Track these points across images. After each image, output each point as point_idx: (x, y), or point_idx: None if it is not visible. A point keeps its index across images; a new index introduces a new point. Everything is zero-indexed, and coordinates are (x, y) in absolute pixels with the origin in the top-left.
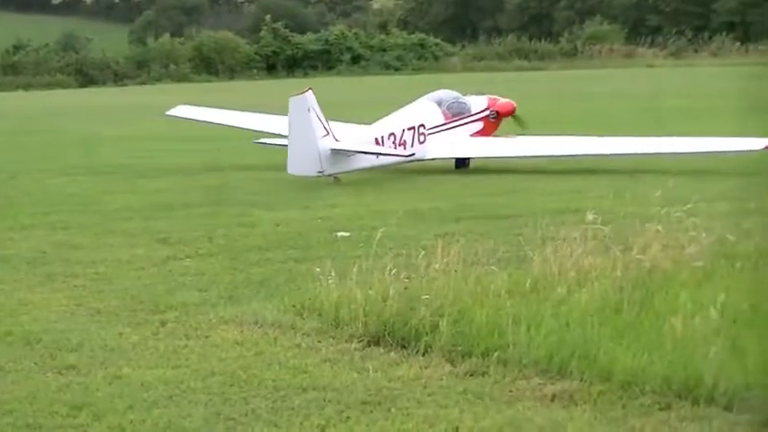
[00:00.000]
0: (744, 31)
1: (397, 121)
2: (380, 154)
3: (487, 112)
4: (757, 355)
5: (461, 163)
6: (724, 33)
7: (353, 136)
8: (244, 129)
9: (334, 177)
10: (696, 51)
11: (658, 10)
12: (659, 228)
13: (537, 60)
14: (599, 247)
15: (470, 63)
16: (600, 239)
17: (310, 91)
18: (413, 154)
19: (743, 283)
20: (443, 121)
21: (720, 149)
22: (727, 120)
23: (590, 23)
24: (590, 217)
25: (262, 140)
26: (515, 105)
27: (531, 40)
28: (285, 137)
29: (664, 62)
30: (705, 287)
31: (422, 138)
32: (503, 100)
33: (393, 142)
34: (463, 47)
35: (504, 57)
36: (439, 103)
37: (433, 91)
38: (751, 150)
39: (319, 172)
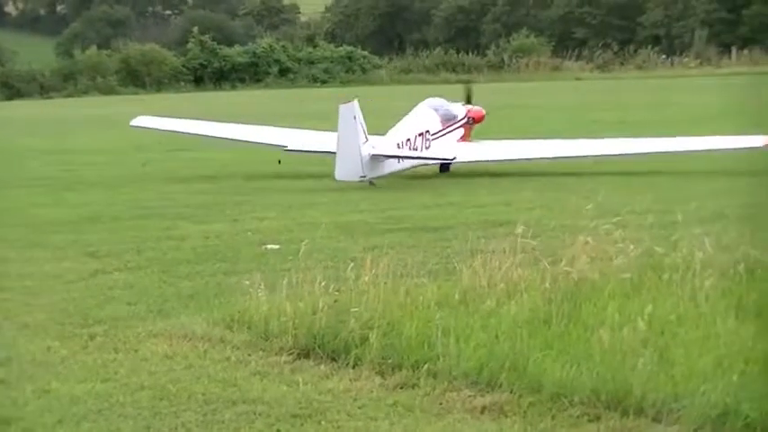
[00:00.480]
0: (668, 45)
1: (409, 128)
2: (425, 158)
3: (466, 119)
4: (685, 367)
5: (446, 168)
6: (649, 47)
7: (381, 143)
8: (210, 137)
9: (371, 182)
10: (622, 64)
11: (585, 23)
12: (588, 240)
13: (464, 73)
14: (528, 260)
15: (398, 76)
16: (529, 252)
17: (356, 101)
18: (455, 158)
19: (670, 294)
20: (441, 128)
21: (720, 147)
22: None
23: (517, 36)
24: (519, 229)
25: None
26: (485, 113)
27: (458, 52)
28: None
29: (590, 75)
30: (633, 299)
31: (427, 143)
32: (475, 107)
33: (409, 148)
34: (391, 59)
35: (432, 69)
36: (435, 110)
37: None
38: (752, 148)
39: (362, 177)
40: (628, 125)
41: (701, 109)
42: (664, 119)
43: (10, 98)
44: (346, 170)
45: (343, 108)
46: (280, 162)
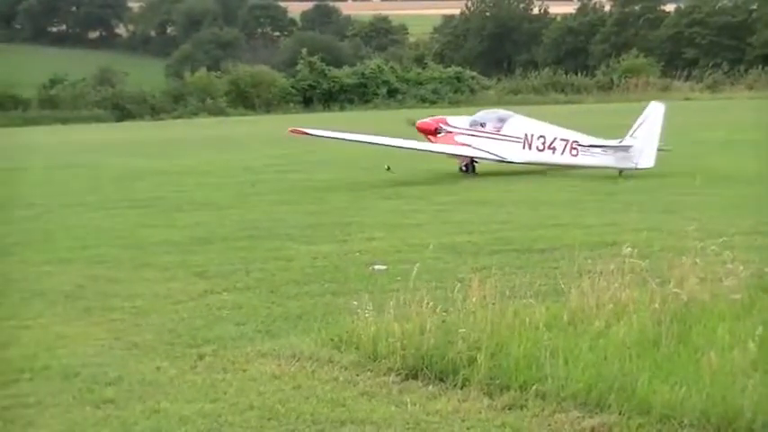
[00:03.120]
0: None
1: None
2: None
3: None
4: None
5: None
6: (760, 66)
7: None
8: (371, 144)
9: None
10: (732, 84)
11: (694, 43)
12: (696, 260)
13: (573, 94)
14: (636, 281)
15: (506, 96)
16: (637, 273)
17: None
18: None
19: None
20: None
21: None
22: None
23: (626, 57)
24: (627, 250)
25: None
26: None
27: (566, 73)
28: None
29: (700, 95)
30: (743, 320)
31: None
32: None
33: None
34: (499, 80)
35: (540, 90)
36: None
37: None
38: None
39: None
40: (733, 143)
41: None
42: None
43: (120, 119)
44: (649, 160)
45: (655, 105)
46: (389, 168)
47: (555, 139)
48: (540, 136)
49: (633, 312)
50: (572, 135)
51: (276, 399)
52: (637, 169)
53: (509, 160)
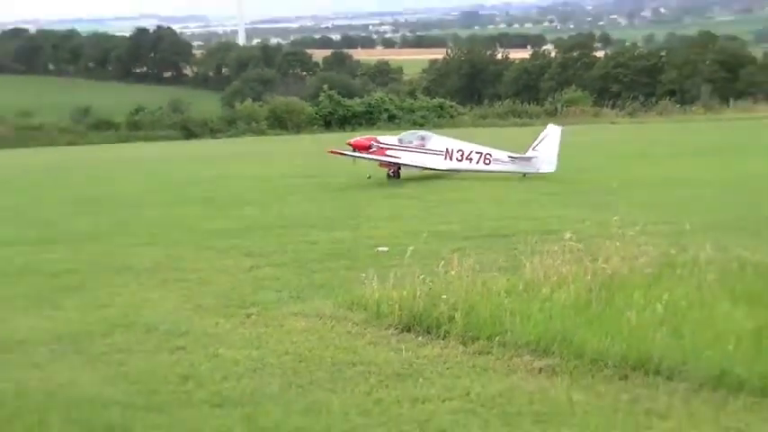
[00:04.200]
0: (681, 96)
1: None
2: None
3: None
4: (690, 338)
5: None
6: (667, 98)
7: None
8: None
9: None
10: (646, 112)
11: (618, 80)
12: (617, 244)
13: (527, 118)
14: (573, 258)
15: (477, 120)
16: (574, 252)
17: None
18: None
19: (681, 285)
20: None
21: None
22: (667, 160)
23: (567, 91)
24: (567, 236)
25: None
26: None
27: (522, 103)
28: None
29: (622, 120)
30: (653, 288)
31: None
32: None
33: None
34: (472, 108)
35: (503, 116)
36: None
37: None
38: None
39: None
40: (646, 156)
41: (704, 144)
42: (672, 152)
43: (187, 138)
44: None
45: (553, 128)
46: (369, 177)
47: (471, 152)
48: (459, 150)
49: (571, 282)
50: (486, 149)
51: (305, 347)
52: (539, 173)
53: (433, 168)
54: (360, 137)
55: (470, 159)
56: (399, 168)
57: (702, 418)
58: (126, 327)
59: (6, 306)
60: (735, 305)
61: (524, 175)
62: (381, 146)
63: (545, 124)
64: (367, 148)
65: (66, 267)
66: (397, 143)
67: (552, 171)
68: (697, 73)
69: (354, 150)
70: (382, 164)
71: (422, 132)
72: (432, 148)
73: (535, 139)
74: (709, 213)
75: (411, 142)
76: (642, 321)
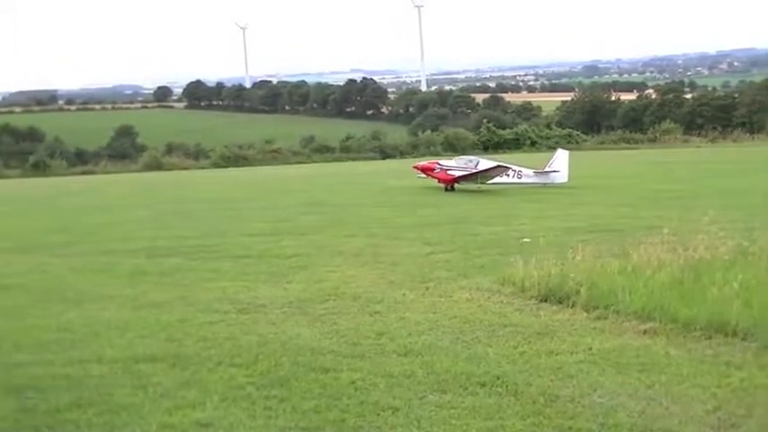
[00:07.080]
0: (750, 127)
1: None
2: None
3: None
4: (759, 309)
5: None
6: (739, 128)
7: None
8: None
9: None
10: (724, 139)
11: (702, 115)
12: (704, 237)
13: (634, 144)
14: (669, 248)
15: (596, 146)
16: (670, 243)
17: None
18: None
19: (751, 268)
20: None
21: None
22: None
23: (663, 123)
24: (665, 231)
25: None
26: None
27: (630, 132)
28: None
29: (705, 145)
30: (731, 270)
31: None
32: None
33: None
34: (593, 136)
35: (616, 142)
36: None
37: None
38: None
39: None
40: (724, 172)
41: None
42: (744, 168)
43: (383, 158)
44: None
45: (563, 152)
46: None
47: (509, 170)
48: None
49: (668, 265)
50: (518, 167)
51: (468, 312)
52: (554, 184)
53: (485, 183)
54: (425, 161)
55: (508, 175)
56: (455, 183)
57: None
58: (337, 296)
59: (252, 279)
60: None
61: (544, 185)
62: (443, 167)
63: (647, 148)
64: (431, 170)
65: (294, 252)
66: (454, 165)
67: (565, 182)
68: (763, 109)
69: (421, 173)
70: (441, 179)
71: (472, 157)
72: (481, 169)
73: (551, 160)
74: None
75: (465, 164)
76: (722, 295)
